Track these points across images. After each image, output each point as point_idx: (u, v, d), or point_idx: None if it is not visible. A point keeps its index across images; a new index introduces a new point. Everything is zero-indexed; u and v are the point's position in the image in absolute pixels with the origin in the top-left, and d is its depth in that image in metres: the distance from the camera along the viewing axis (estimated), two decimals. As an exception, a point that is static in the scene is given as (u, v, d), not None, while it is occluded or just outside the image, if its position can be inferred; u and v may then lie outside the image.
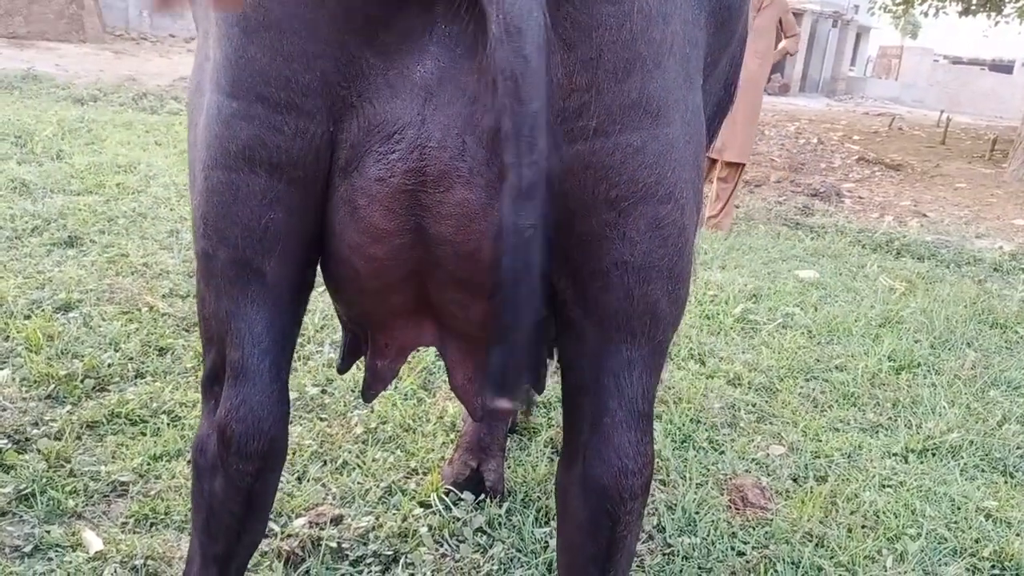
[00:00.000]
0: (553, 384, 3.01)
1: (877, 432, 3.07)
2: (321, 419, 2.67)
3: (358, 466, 2.42)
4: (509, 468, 2.51)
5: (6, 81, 9.87)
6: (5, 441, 2.29)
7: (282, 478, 2.27)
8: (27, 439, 2.35)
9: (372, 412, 2.72)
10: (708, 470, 2.65)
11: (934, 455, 2.93)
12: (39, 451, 2.28)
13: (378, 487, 2.32)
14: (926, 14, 18.41)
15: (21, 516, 2.04)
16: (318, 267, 1.38)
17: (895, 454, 2.91)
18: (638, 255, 1.20)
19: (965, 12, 18.05)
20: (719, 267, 5.41)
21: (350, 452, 2.48)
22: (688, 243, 1.27)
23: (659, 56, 1.13)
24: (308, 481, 2.33)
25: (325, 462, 2.43)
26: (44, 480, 2.15)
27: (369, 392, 1.63)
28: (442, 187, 1.16)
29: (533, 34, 0.97)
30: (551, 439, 2.71)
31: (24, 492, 2.10)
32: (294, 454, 2.45)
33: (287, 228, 1.24)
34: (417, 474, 2.42)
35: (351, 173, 1.20)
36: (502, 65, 0.98)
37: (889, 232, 7.21)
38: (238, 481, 1.34)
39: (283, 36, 1.13)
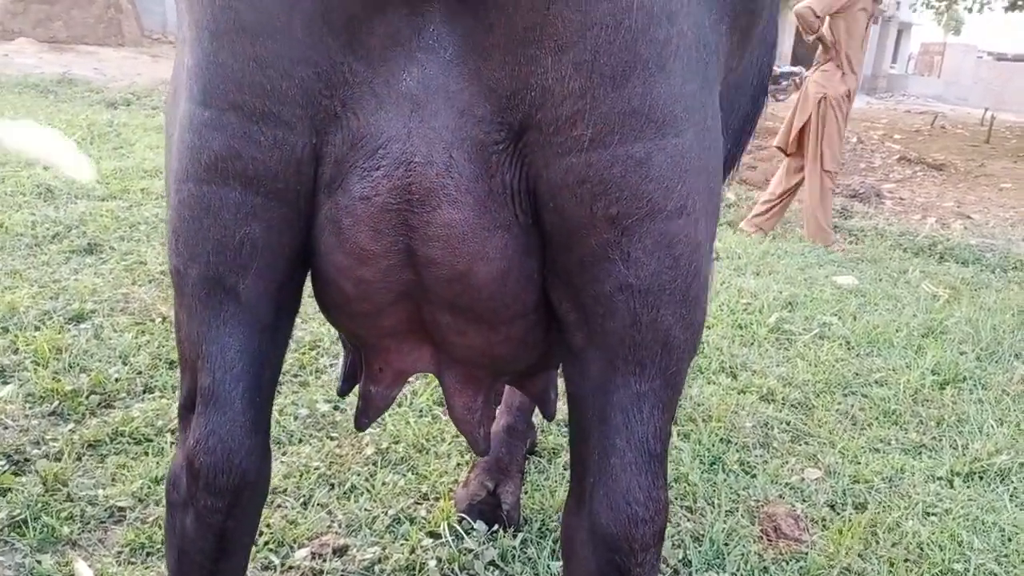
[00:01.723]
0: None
1: (920, 453, 2.89)
2: (331, 438, 2.57)
3: (367, 490, 2.30)
4: (525, 493, 2.38)
5: (42, 85, 9.98)
6: (3, 462, 2.22)
7: (287, 504, 2.17)
8: (26, 459, 2.27)
9: (384, 431, 2.61)
10: (739, 496, 2.50)
11: (981, 479, 2.74)
12: (37, 473, 2.20)
13: (386, 514, 2.20)
14: (970, 10, 17.94)
15: (13, 544, 1.96)
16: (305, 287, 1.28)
17: (940, 478, 2.73)
18: (645, 277, 1.07)
19: (1011, 7, 17.56)
20: (753, 273, 5.23)
21: (359, 475, 2.37)
22: (704, 261, 1.14)
23: (663, 58, 1.00)
24: (313, 507, 2.22)
25: (333, 486, 2.32)
26: (39, 505, 2.07)
27: (362, 420, 1.53)
28: (429, 207, 1.06)
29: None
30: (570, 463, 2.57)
31: (17, 518, 2.02)
32: (301, 477, 2.34)
33: (265, 244, 1.14)
34: (428, 500, 2.30)
35: (336, 190, 1.10)
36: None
37: (931, 235, 6.96)
38: (208, 518, 1.23)
39: (256, 40, 1.02)
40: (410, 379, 2.09)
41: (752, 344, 3.87)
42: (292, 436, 2.56)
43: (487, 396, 1.49)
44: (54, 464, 2.24)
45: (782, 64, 23.10)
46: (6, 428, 2.40)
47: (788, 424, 3.03)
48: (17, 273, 3.61)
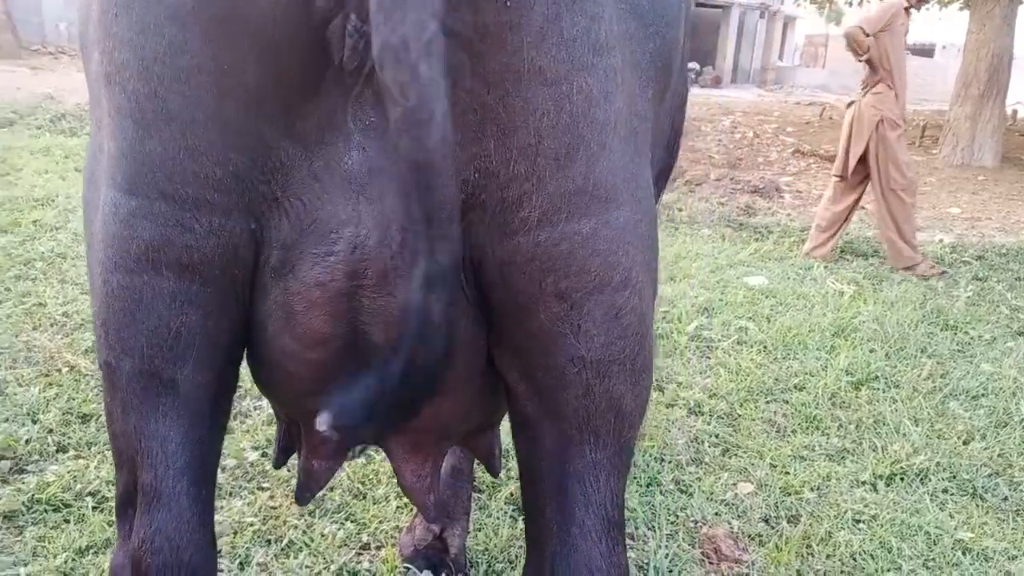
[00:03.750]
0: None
1: (843, 459, 3.00)
2: (263, 489, 2.48)
3: (305, 545, 2.23)
4: (468, 533, 2.36)
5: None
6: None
7: (223, 566, 2.08)
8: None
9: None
10: (677, 517, 2.53)
11: (903, 480, 2.86)
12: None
13: (328, 570, 2.14)
14: (850, 3, 18.72)
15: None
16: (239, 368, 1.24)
17: (864, 482, 2.83)
18: (596, 349, 1.10)
19: None
20: (668, 278, 5.32)
21: (296, 528, 2.30)
22: (650, 329, 1.16)
23: (603, 137, 1.02)
24: (252, 567, 2.13)
25: (270, 542, 2.25)
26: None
27: (304, 495, 1.49)
28: (384, 290, 1.05)
29: (437, 126, 0.82)
30: (512, 495, 2.56)
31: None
32: (236, 535, 2.25)
33: (203, 332, 1.10)
34: (370, 550, 2.25)
35: (285, 276, 1.07)
36: (406, 156, 0.84)
37: (831, 229, 7.22)
38: None
39: (186, 129, 0.98)
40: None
41: (675, 353, 3.94)
42: (221, 489, 2.46)
43: (435, 462, 1.47)
44: (-33, 542, 2.10)
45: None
46: (-93, 506, 2.23)
47: (717, 437, 3.09)
48: (-95, 325, 3.37)
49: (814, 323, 4.46)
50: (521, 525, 2.43)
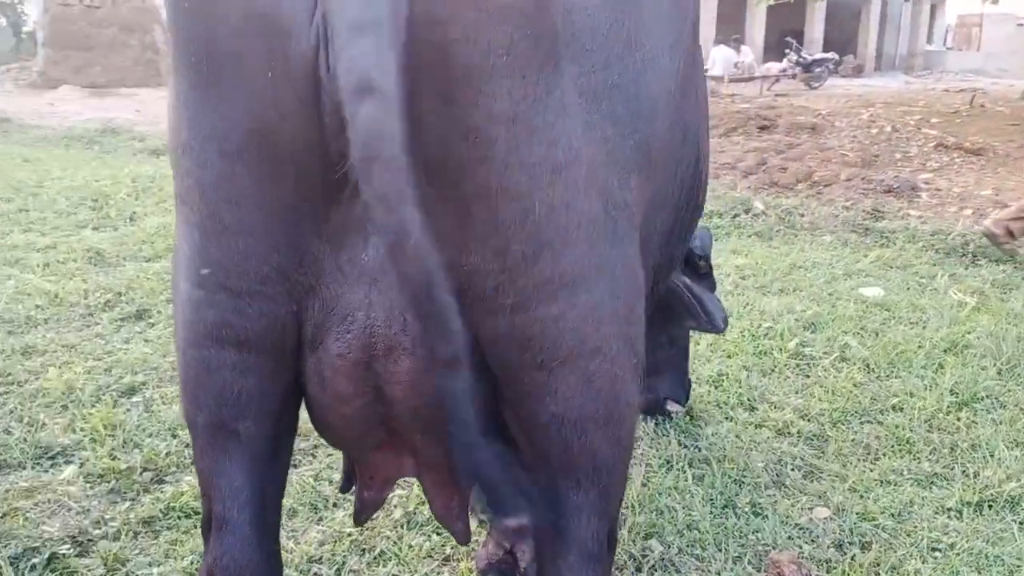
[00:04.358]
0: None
1: (931, 484, 2.98)
2: (364, 502, 2.76)
3: (395, 555, 2.49)
4: (544, 550, 2.55)
5: (87, 137, 10.44)
6: (68, 546, 2.45)
7: (322, 573, 2.37)
8: (89, 540, 2.50)
9: (412, 493, 2.79)
10: (747, 540, 2.63)
11: (991, 507, 2.82)
12: (99, 554, 2.42)
13: (412, 579, 2.39)
14: (1006, -18, 17.56)
15: (79, 626, 2.19)
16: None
17: (949, 509, 2.82)
18: (572, 409, 1.30)
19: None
20: (778, 291, 5.31)
21: (388, 539, 2.56)
22: (625, 389, 1.34)
23: (567, 236, 1.20)
24: (346, 573, 2.41)
25: (364, 551, 2.52)
26: (101, 586, 2.30)
27: (360, 517, 1.75)
28: (391, 359, 1.29)
29: (417, 248, 1.04)
30: (588, 513, 2.73)
31: (81, 602, 2.25)
32: (335, 544, 2.54)
33: (260, 392, 1.36)
34: (451, 561, 2.48)
35: (317, 348, 1.33)
36: (399, 270, 1.08)
37: (964, 233, 6.90)
38: None
39: (238, 238, 1.24)
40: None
41: (772, 372, 3.97)
42: (327, 501, 2.76)
43: (462, 495, 1.68)
44: (113, 544, 2.47)
45: (813, 51, 22.78)
46: (69, 510, 2.64)
47: (802, 460, 3.13)
48: (72, 347, 3.89)
49: (925, 338, 4.36)
50: (594, 543, 2.60)
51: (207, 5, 1.13)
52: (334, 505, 2.75)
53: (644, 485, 2.94)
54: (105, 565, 2.38)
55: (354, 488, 1.78)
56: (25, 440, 3.03)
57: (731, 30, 22.51)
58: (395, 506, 2.73)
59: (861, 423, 3.45)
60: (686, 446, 3.23)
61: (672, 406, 3.41)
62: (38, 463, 2.92)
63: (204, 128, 1.21)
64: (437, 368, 1.18)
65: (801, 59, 20.72)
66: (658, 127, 1.37)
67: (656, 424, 3.38)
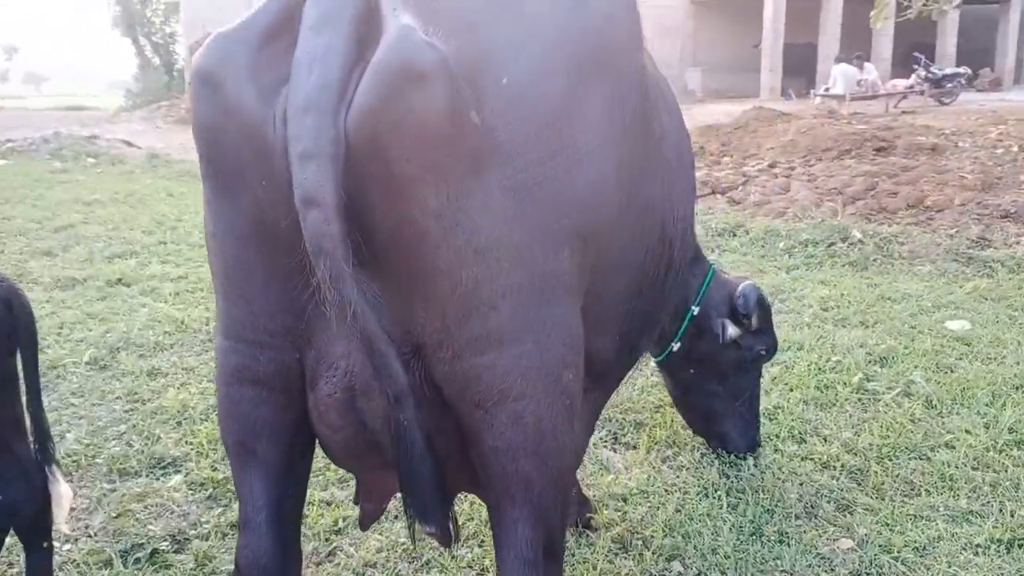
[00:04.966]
0: (622, 478, 3.28)
1: (965, 521, 3.05)
2: (420, 516, 3.10)
3: (439, 564, 2.82)
4: (571, 565, 2.81)
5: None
6: (168, 544, 2.91)
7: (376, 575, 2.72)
8: (185, 539, 2.95)
9: (461, 510, 3.11)
10: (767, 565, 2.80)
11: (1020, 547, 2.88)
12: (192, 551, 2.87)
13: (450, 585, 2.71)
14: None
15: (170, 611, 2.62)
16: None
17: (976, 546, 2.89)
18: (505, 441, 1.60)
19: None
20: (857, 323, 5.34)
21: (435, 550, 2.89)
22: (552, 425, 1.62)
23: (492, 302, 1.51)
24: (396, 579, 2.76)
25: (414, 560, 2.86)
26: (191, 578, 2.73)
27: (364, 524, 2.10)
28: (368, 397, 1.62)
29: (357, 314, 1.40)
30: (620, 536, 2.97)
31: (174, 590, 2.69)
32: (390, 551, 2.89)
33: (273, 421, 1.73)
34: (488, 571, 2.78)
35: (314, 388, 1.68)
36: (358, 337, 1.43)
37: (1076, 264, 6.65)
38: None
39: (251, 301, 1.62)
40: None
41: (831, 406, 4.07)
42: (389, 515, 3.11)
43: (445, 508, 1.99)
44: (204, 543, 2.91)
45: (945, 66, 21.82)
46: (172, 513, 3.11)
47: (839, 493, 3.26)
48: (191, 370, 4.44)
49: (997, 374, 4.34)
50: (619, 561, 2.85)
51: (219, 138, 1.52)
52: (395, 518, 3.10)
53: (678, 511, 3.15)
54: (196, 561, 2.82)
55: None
56: (142, 452, 3.54)
57: (857, 46, 21.90)
58: (446, 521, 3.05)
59: (909, 459, 3.52)
60: (727, 476, 3.41)
61: None
62: (151, 472, 3.42)
63: (222, 222, 1.60)
64: (386, 402, 1.52)
65: (930, 74, 19.95)
66: (597, 207, 1.65)
67: (702, 455, 3.58)
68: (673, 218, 2.17)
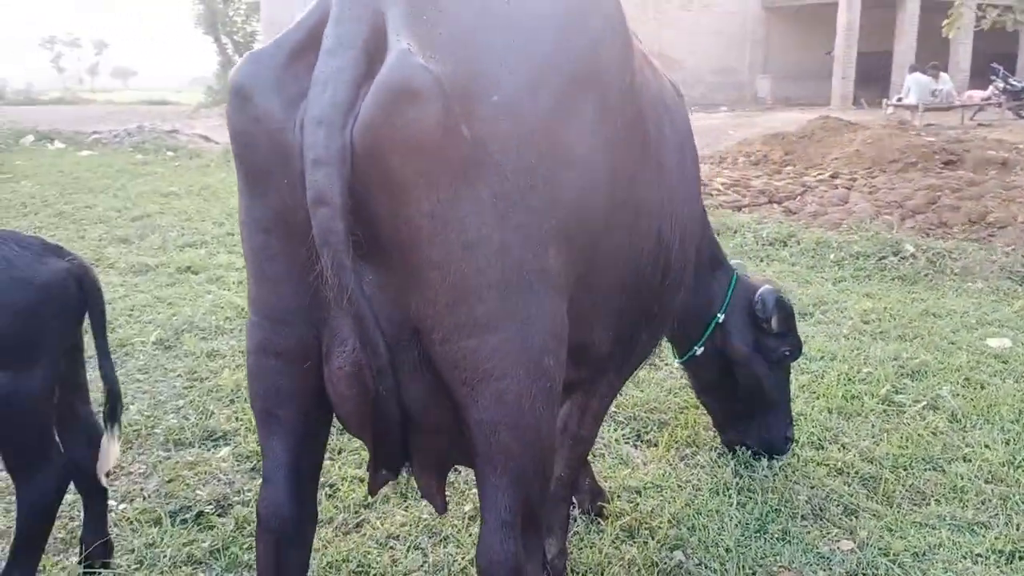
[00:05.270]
0: (638, 472, 3.44)
1: (968, 531, 3.12)
2: (443, 496, 3.32)
3: (456, 540, 3.03)
4: (579, 548, 2.99)
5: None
6: (212, 508, 3.19)
7: (396, 547, 2.95)
8: (229, 505, 3.23)
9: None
10: (765, 560, 2.93)
11: (1021, 558, 2.95)
12: (233, 515, 3.14)
13: (465, 557, 2.91)
14: None
15: (210, 565, 2.89)
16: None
17: (977, 555, 2.97)
18: (488, 415, 1.80)
19: None
20: (895, 337, 5.37)
21: (455, 527, 3.10)
22: (531, 404, 1.80)
23: (479, 292, 1.71)
24: (415, 551, 2.97)
25: (434, 534, 3.08)
26: (231, 539, 3.00)
27: (372, 489, 2.26)
28: (370, 371, 1.80)
29: (351, 299, 1.63)
30: (629, 525, 3.14)
31: (215, 547, 2.96)
32: (413, 527, 3.11)
33: (292, 389, 1.95)
34: (500, 550, 2.97)
35: (327, 361, 1.89)
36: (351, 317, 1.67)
37: None
38: (266, 544, 2.03)
39: (276, 286, 1.85)
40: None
41: (856, 416, 4.15)
42: (417, 493, 3.34)
43: (440, 477, 2.23)
44: (245, 509, 3.17)
45: (1022, 79, 21.12)
46: (219, 481, 3.39)
47: (848, 498, 3.36)
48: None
49: (1029, 393, 4.36)
50: (624, 548, 3.02)
51: (249, 142, 1.76)
52: (422, 497, 3.33)
53: (687, 505, 3.30)
54: (236, 524, 3.09)
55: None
56: (197, 425, 3.85)
57: (934, 55, 21.40)
58: (467, 500, 3.27)
59: (924, 470, 3.60)
60: (741, 475, 3.54)
61: None
62: (203, 443, 3.72)
63: (252, 214, 1.84)
64: (372, 374, 1.74)
65: (1009, 86, 19.39)
66: (585, 210, 1.84)
67: (719, 455, 3.71)
68: (671, 223, 2.33)
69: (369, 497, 3.27)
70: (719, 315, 3.38)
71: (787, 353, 3.53)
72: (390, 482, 2.28)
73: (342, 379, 1.84)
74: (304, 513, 2.03)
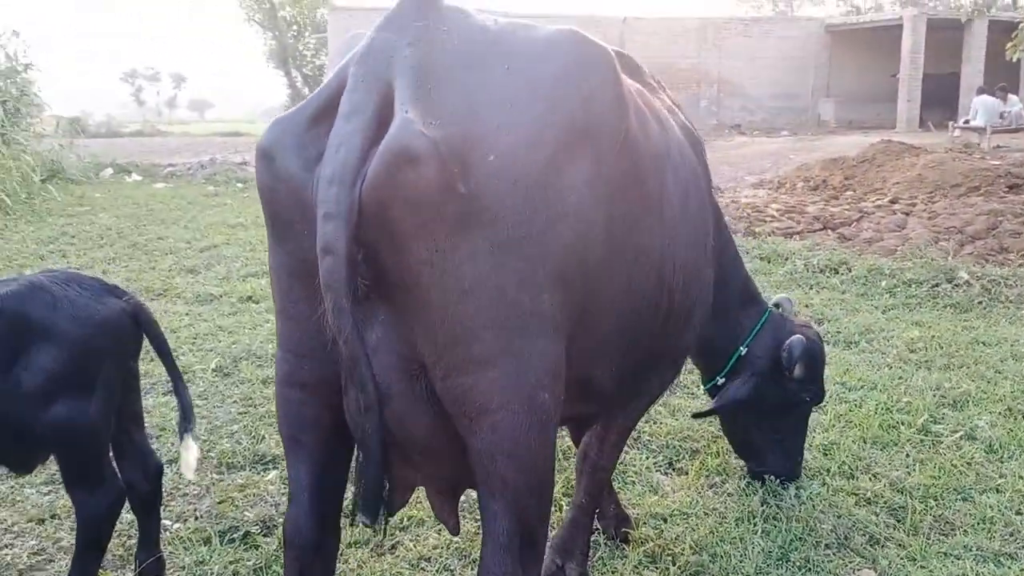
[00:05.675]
0: (666, 500, 3.54)
1: (993, 562, 3.13)
2: (476, 519, 3.47)
3: (472, 561, 3.16)
4: (600, 573, 3.10)
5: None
6: (258, 527, 3.40)
7: (427, 568, 3.10)
8: (273, 525, 3.43)
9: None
10: (784, 589, 3.00)
11: (1045, 592, 2.96)
12: (277, 535, 3.34)
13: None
14: None
15: (254, 583, 3.09)
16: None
17: (999, 587, 2.99)
18: (486, 444, 1.95)
19: None
20: (941, 367, 5.34)
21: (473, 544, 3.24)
22: (525, 435, 1.94)
23: (475, 333, 1.87)
24: (443, 573, 3.13)
25: (463, 556, 3.22)
26: (273, 557, 3.20)
27: (391, 509, 2.38)
28: (384, 404, 1.97)
29: (347, 341, 1.80)
30: (652, 552, 3.24)
31: (258, 566, 3.16)
32: (444, 548, 3.26)
33: (313, 418, 2.14)
34: (525, 573, 3.10)
35: (345, 394, 2.05)
36: (347, 356, 1.84)
37: None
38: (291, 561, 2.21)
39: (299, 324, 2.05)
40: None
41: (891, 446, 4.16)
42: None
43: (453, 500, 2.39)
44: (288, 530, 3.37)
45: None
46: (266, 502, 3.60)
47: (875, 528, 3.39)
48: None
49: (1073, 424, 4.30)
50: (646, 574, 3.12)
51: (274, 198, 1.96)
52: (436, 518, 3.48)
53: (711, 532, 3.38)
54: (279, 543, 3.27)
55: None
56: (248, 449, 4.08)
57: (1002, 77, 20.92)
58: (496, 526, 3.40)
59: (953, 500, 3.61)
60: (768, 504, 3.60)
61: None
62: (254, 466, 3.94)
63: (277, 259, 2.05)
64: (359, 410, 1.89)
65: (1081, 108, 18.82)
66: (579, 256, 1.98)
67: (748, 483, 3.78)
68: (673, 267, 2.46)
69: (404, 520, 3.44)
70: (742, 348, 3.47)
71: (807, 399, 3.59)
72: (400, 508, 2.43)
73: (353, 400, 2.02)
74: (324, 531, 2.21)
